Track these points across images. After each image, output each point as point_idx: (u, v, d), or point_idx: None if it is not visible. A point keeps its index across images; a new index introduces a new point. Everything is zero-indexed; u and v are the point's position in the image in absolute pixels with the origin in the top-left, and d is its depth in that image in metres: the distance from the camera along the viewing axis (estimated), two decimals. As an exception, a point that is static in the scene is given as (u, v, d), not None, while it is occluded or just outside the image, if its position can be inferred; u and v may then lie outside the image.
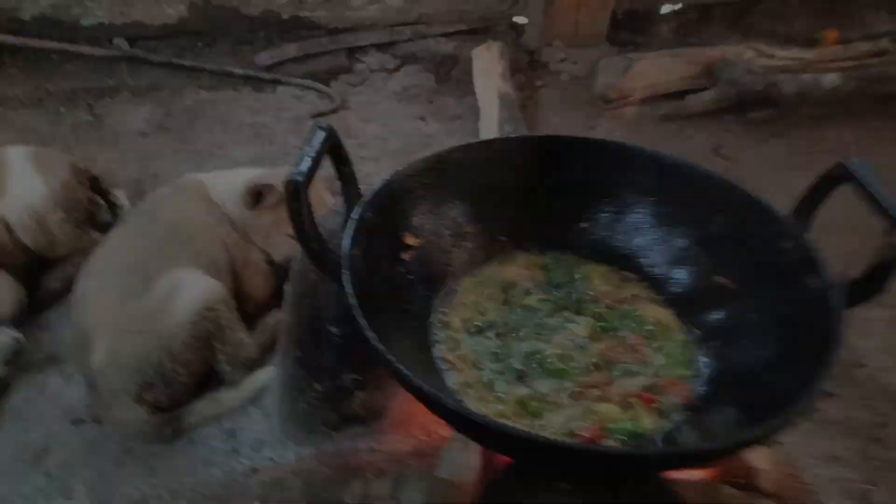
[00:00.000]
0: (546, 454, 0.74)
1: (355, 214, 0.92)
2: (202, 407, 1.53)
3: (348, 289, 0.82)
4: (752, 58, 2.61)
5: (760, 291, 0.96)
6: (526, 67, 2.76)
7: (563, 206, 1.12)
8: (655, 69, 2.59)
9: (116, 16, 2.77)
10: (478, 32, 2.88)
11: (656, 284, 1.08)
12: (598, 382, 0.95)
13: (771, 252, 0.96)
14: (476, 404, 0.90)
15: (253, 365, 1.60)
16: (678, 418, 0.91)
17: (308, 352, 1.21)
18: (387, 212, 0.99)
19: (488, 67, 2.53)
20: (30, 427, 1.55)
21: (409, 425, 1.41)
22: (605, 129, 2.50)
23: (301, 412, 1.35)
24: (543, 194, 1.11)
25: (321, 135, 0.86)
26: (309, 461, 1.33)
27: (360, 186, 0.96)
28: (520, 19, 2.91)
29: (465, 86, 2.65)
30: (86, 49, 2.68)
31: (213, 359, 1.55)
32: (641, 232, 1.10)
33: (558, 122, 2.55)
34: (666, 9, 2.98)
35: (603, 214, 1.12)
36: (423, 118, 2.56)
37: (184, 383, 1.51)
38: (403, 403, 1.34)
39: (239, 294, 1.71)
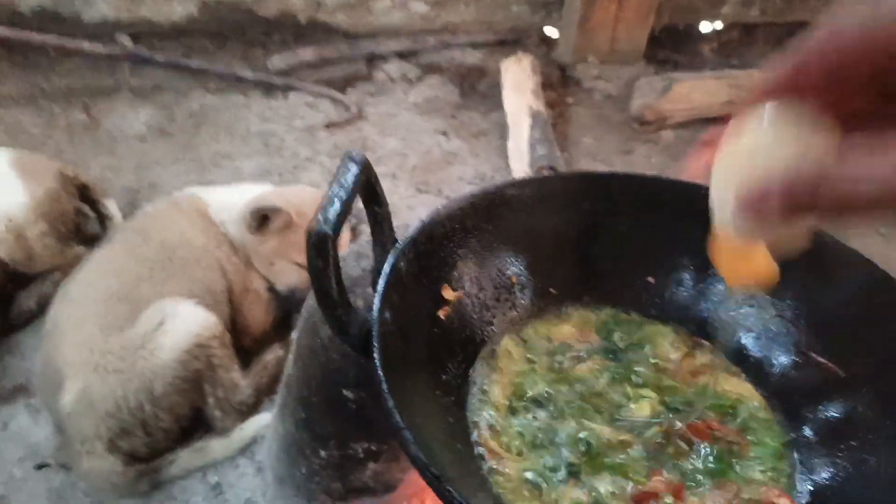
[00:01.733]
0: None
1: (388, 267, 0.73)
2: (185, 457, 1.33)
3: (379, 371, 0.63)
4: (800, 85, 2.42)
5: (881, 384, 0.76)
6: (557, 83, 2.58)
7: (630, 256, 0.93)
8: (697, 91, 2.40)
9: (122, 11, 2.58)
10: (506, 44, 2.69)
11: (740, 361, 0.89)
12: (671, 486, 0.76)
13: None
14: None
15: (247, 410, 1.40)
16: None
17: (314, 415, 1.02)
18: (423, 261, 0.80)
19: (519, 82, 2.34)
20: (-13, 470, 1.36)
21: (426, 496, 1.23)
22: (641, 154, 2.31)
23: (300, 477, 1.15)
24: (608, 242, 0.92)
25: (354, 170, 0.67)
26: (308, 536, 1.13)
27: (394, 230, 0.77)
28: (552, 32, 2.72)
29: (491, 100, 2.47)
30: (85, 45, 2.49)
31: (201, 402, 1.36)
32: (726, 295, 0.91)
33: (590, 143, 2.36)
34: (707, 27, 2.80)
35: (679, 270, 0.93)
36: (445, 133, 2.37)
37: (165, 430, 1.32)
38: (420, 476, 1.15)
39: (236, 326, 1.52)
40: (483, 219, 0.87)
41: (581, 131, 2.44)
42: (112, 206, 1.85)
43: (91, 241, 1.76)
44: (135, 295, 1.35)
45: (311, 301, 1.00)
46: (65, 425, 1.28)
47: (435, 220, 0.82)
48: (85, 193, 1.81)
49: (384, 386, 0.62)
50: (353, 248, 0.96)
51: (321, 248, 0.60)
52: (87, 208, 1.84)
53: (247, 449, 1.37)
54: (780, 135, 0.49)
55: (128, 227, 1.55)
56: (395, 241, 0.78)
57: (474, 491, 0.72)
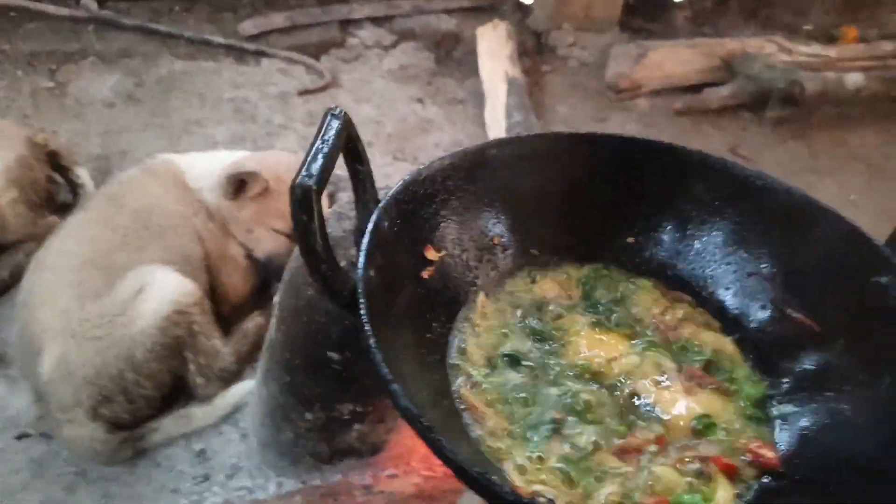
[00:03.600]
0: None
1: (371, 225, 0.73)
2: (169, 424, 1.33)
3: (366, 326, 0.64)
4: (772, 52, 2.45)
5: (853, 335, 0.79)
6: (532, 51, 2.57)
7: (609, 217, 0.95)
8: (671, 60, 2.42)
9: (86, -28, 2.51)
10: (482, 10, 2.67)
11: (719, 316, 0.91)
12: (655, 437, 0.78)
13: (867, 288, 0.79)
14: (510, 470, 0.73)
15: (229, 377, 1.40)
16: (751, 492, 0.74)
17: (299, 378, 1.02)
18: (406, 221, 0.80)
19: (495, 49, 2.33)
20: (-35, 442, 1.34)
21: (411, 459, 1.24)
22: (616, 121, 2.32)
23: (285, 441, 1.16)
24: (587, 202, 0.93)
25: (335, 124, 0.67)
26: (293, 498, 1.14)
27: (376, 189, 0.77)
28: (527, -1, 2.71)
29: (467, 67, 2.45)
30: (50, 8, 2.41)
31: (182, 369, 1.36)
32: (701, 253, 0.93)
33: (566, 111, 2.37)
34: (681, -5, 2.81)
35: (656, 230, 0.95)
36: (420, 100, 2.36)
37: (148, 397, 1.32)
38: (406, 437, 1.17)
39: (215, 294, 1.51)
40: (464, 179, 0.87)
41: (556, 99, 2.45)
42: (84, 174, 1.81)
43: (63, 209, 1.73)
44: (110, 262, 1.33)
45: (293, 263, 0.99)
46: (44, 393, 1.27)
47: (416, 179, 0.82)
48: (55, 161, 1.78)
49: (371, 341, 0.63)
50: (334, 210, 0.96)
51: (306, 202, 0.60)
52: (57, 176, 1.80)
53: (230, 416, 1.37)
54: None
55: (101, 194, 1.52)
56: (378, 200, 0.78)
57: (461, 445, 0.73)
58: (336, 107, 0.71)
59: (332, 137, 0.67)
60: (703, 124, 2.36)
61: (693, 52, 2.43)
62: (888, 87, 2.45)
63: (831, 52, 2.52)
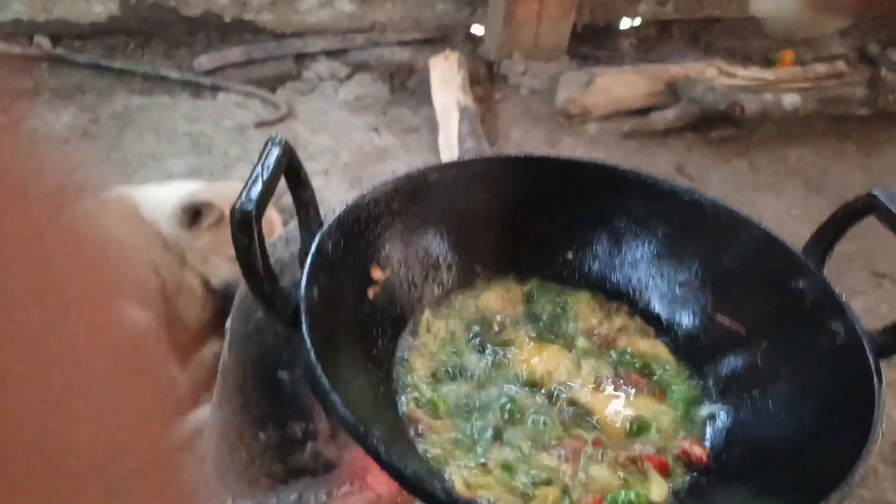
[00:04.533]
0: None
1: (313, 248, 0.76)
2: (126, 455, 1.33)
3: (307, 340, 0.67)
4: (714, 76, 2.55)
5: (776, 337, 0.85)
6: (484, 80, 2.64)
7: (548, 234, 1.00)
8: (618, 85, 2.50)
9: (38, 11, 2.51)
10: (434, 42, 2.74)
11: (654, 323, 0.96)
12: (592, 439, 0.82)
13: (786, 292, 0.85)
14: (454, 478, 0.76)
15: (185, 405, 1.40)
16: (683, 487, 0.79)
17: (252, 398, 1.04)
18: (350, 243, 0.84)
19: (447, 78, 2.40)
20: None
21: (365, 477, 1.26)
22: (567, 146, 2.39)
23: (241, 463, 1.17)
24: (527, 221, 0.98)
25: (276, 152, 0.71)
26: (250, 522, 1.15)
27: (320, 213, 0.81)
28: (478, 29, 2.78)
29: (421, 97, 2.51)
30: (1, 46, 2.42)
31: (139, 399, 1.36)
32: (635, 265, 0.99)
33: (519, 136, 2.43)
34: (626, 24, 2.91)
35: (592, 244, 1.00)
36: (376, 129, 2.40)
37: (104, 429, 1.31)
38: (360, 453, 1.18)
39: (171, 323, 1.52)
40: (407, 202, 0.91)
41: (509, 125, 2.51)
42: (37, 210, 1.81)
43: (16, 245, 1.72)
44: (64, 295, 1.33)
45: (243, 287, 1.02)
46: None
47: (360, 203, 0.86)
48: (7, 197, 1.77)
49: (312, 355, 0.66)
50: (282, 235, 0.99)
51: (245, 225, 0.63)
52: (10, 213, 1.79)
53: (187, 445, 1.37)
54: None
55: (54, 228, 1.52)
56: (321, 224, 0.81)
57: (406, 456, 0.76)
58: (276, 135, 0.74)
59: (273, 164, 0.70)
60: (651, 146, 2.44)
61: (639, 78, 2.52)
62: (823, 106, 2.57)
63: (769, 74, 2.64)
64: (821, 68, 2.69)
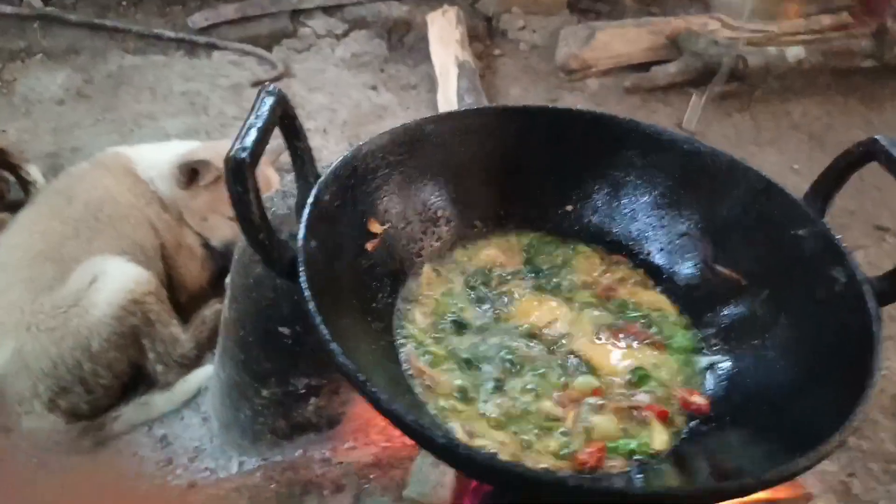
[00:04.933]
0: (551, 493, 0.60)
1: (311, 198, 0.75)
2: (129, 412, 1.34)
3: (305, 291, 0.66)
4: (716, 29, 2.51)
5: (776, 286, 0.84)
6: (483, 35, 2.60)
7: (547, 187, 0.99)
8: (619, 40, 2.47)
9: (28, -31, 2.47)
10: (431, -4, 2.69)
11: (654, 275, 0.95)
12: (592, 389, 0.82)
13: (786, 241, 0.84)
14: (456, 428, 0.76)
15: (188, 363, 1.41)
16: (685, 436, 0.79)
17: (253, 354, 1.05)
18: (347, 195, 0.83)
19: (445, 34, 2.36)
20: (-77, 440, 1.34)
21: (369, 431, 1.27)
22: (567, 102, 2.37)
23: (245, 420, 1.18)
24: (526, 173, 0.97)
25: (269, 101, 0.69)
26: (254, 475, 1.17)
27: (316, 165, 0.80)
28: (476, -17, 2.74)
29: (419, 53, 2.48)
30: (-8, 5, 2.38)
31: (141, 358, 1.37)
32: (635, 216, 0.98)
33: (518, 93, 2.40)
34: (627, -24, 2.86)
35: (592, 196, 0.99)
36: (374, 87, 2.37)
37: (106, 386, 1.33)
38: (362, 409, 1.20)
39: (172, 283, 1.52)
40: (405, 154, 0.90)
41: (508, 81, 2.48)
42: (35, 171, 1.80)
43: (14, 208, 1.71)
44: (61, 255, 1.33)
45: (241, 243, 1.02)
46: (1, 388, 1.27)
47: (357, 155, 0.85)
48: (4, 159, 1.76)
49: (311, 305, 0.65)
50: (279, 189, 0.98)
51: (239, 173, 0.62)
52: (7, 174, 1.78)
53: (191, 401, 1.38)
54: None
55: (50, 188, 1.51)
56: (318, 175, 0.80)
57: (408, 406, 0.76)
58: (269, 84, 0.73)
59: (266, 113, 0.69)
60: (652, 101, 2.41)
61: (640, 32, 2.48)
62: (828, 59, 2.53)
63: (773, 27, 2.60)
64: (825, 20, 2.64)
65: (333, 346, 0.63)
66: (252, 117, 0.68)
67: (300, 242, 0.71)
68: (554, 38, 2.54)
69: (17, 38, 2.41)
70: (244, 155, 0.63)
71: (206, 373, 1.39)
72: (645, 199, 0.96)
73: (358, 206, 0.86)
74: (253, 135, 0.65)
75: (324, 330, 0.63)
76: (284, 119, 0.74)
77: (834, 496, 1.43)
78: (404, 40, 2.59)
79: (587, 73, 2.47)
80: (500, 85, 2.45)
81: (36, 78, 2.30)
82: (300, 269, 0.68)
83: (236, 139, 0.65)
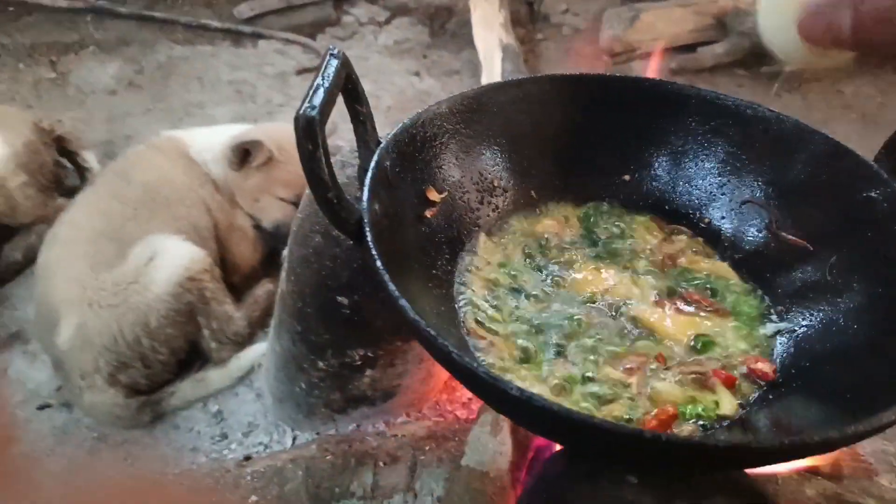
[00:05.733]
0: (627, 447, 0.60)
1: (373, 163, 0.76)
2: (185, 388, 1.37)
3: (373, 248, 0.66)
4: (765, 8, 2.45)
5: (846, 249, 0.82)
6: (525, 19, 2.58)
7: (604, 156, 0.97)
8: (664, 21, 2.42)
9: (80, -36, 2.53)
10: (473, -18, 2.68)
11: (715, 243, 0.94)
12: (655, 355, 0.81)
13: (857, 203, 0.81)
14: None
15: (242, 341, 1.44)
16: (754, 401, 0.77)
17: (310, 325, 1.06)
18: (407, 162, 0.83)
19: (488, 18, 2.35)
20: (-9, 414, 1.38)
21: (422, 405, 1.28)
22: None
23: (300, 393, 1.19)
24: (583, 143, 0.96)
25: (335, 63, 0.70)
26: (310, 448, 1.18)
27: (377, 131, 0.80)
28: (517, -32, 2.72)
29: (461, 39, 2.47)
30: (46, 0, 2.44)
31: (196, 335, 1.39)
32: (696, 184, 0.96)
33: (562, 76, 2.38)
34: (671, -43, 2.80)
35: (651, 165, 0.97)
36: (417, 73, 2.38)
37: (164, 362, 1.36)
38: (416, 382, 1.20)
39: (225, 263, 1.55)
40: (463, 123, 0.90)
41: (552, 66, 2.46)
42: (90, 158, 1.85)
43: (72, 193, 1.76)
44: (121, 234, 1.36)
45: (299, 214, 1.02)
46: (64, 363, 1.31)
47: (416, 122, 0.86)
48: (62, 146, 1.81)
49: (378, 263, 0.66)
50: (337, 158, 0.98)
51: (310, 131, 0.63)
52: (65, 161, 1.83)
53: (245, 377, 1.40)
54: None
55: (109, 170, 1.55)
56: (379, 141, 0.81)
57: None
58: (334, 47, 0.73)
59: (332, 74, 0.69)
60: (699, 83, 2.35)
61: (685, 12, 2.44)
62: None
63: (824, 5, 2.53)
64: (880, -3, 2.56)
65: (403, 302, 0.63)
66: (319, 78, 0.68)
67: (365, 204, 0.71)
68: (597, 21, 2.51)
69: (71, 31, 2.47)
70: (314, 113, 0.63)
71: (259, 350, 1.42)
72: (706, 166, 0.95)
73: (417, 173, 0.86)
74: (321, 94, 0.66)
75: (392, 287, 0.63)
76: (348, 83, 0.75)
77: (894, 475, 1.39)
78: (446, 26, 2.59)
79: (631, 55, 2.44)
80: (544, 69, 2.44)
81: (88, 69, 2.36)
82: (366, 229, 0.68)
83: (304, 99, 0.65)
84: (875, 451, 1.43)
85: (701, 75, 2.42)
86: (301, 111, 0.64)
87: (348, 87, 0.76)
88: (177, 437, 1.33)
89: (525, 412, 0.61)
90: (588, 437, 0.59)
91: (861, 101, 2.34)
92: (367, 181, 0.74)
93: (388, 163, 0.79)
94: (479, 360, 0.78)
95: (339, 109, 0.73)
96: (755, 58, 2.38)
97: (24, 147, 1.67)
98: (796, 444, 0.54)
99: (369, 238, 0.67)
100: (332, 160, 0.98)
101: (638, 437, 0.56)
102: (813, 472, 1.05)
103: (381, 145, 0.80)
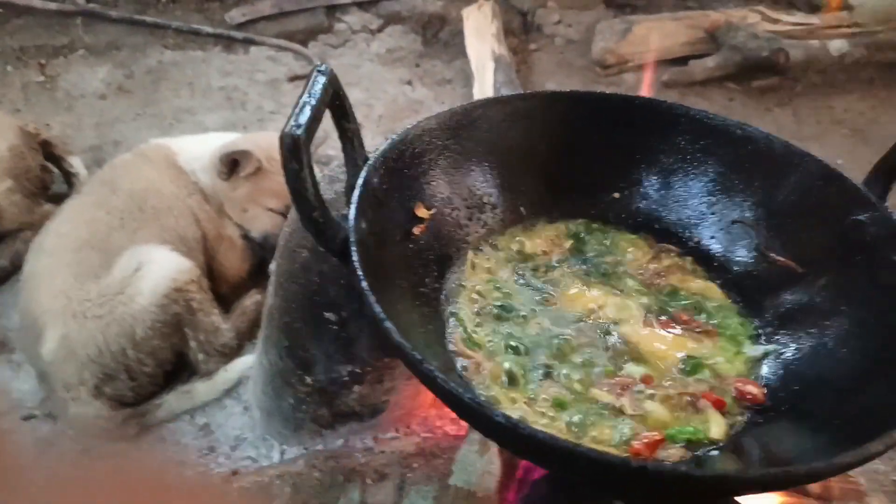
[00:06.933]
0: (612, 475, 0.59)
1: (360, 180, 0.75)
2: (172, 400, 1.36)
3: (358, 270, 0.66)
4: (756, 22, 2.47)
5: (835, 272, 0.82)
6: (518, 30, 2.59)
7: (594, 173, 0.97)
8: (656, 33, 2.43)
9: (71, -33, 2.52)
10: (466, -9, 2.68)
11: (704, 263, 0.93)
12: (642, 376, 0.80)
13: (846, 226, 0.81)
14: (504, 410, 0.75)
15: (229, 352, 1.42)
16: (743, 425, 0.77)
17: (297, 340, 1.05)
18: (395, 178, 0.83)
19: (481, 28, 2.35)
20: (-27, 425, 1.36)
21: (411, 421, 1.26)
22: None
23: (287, 408, 1.18)
24: (573, 160, 0.96)
25: (322, 80, 0.69)
26: (297, 463, 1.17)
27: (364, 148, 0.80)
28: (511, -22, 2.72)
29: (454, 49, 2.47)
30: (37, 3, 2.42)
31: (183, 346, 1.38)
32: (685, 203, 0.96)
33: (554, 88, 2.38)
34: (664, -30, 2.82)
35: (641, 183, 0.97)
36: (409, 82, 2.37)
37: (150, 374, 1.34)
38: (405, 398, 1.19)
39: (213, 274, 1.53)
40: (452, 139, 0.90)
41: (544, 76, 2.47)
42: (77, 164, 1.83)
43: (58, 199, 1.74)
44: (107, 244, 1.35)
45: (287, 228, 1.02)
46: (48, 374, 1.29)
47: (404, 138, 0.85)
48: (48, 151, 1.79)
49: (364, 284, 0.65)
50: (326, 174, 0.98)
51: (294, 150, 0.62)
52: (51, 166, 1.81)
53: (232, 390, 1.39)
54: None
55: (95, 178, 1.53)
56: (367, 158, 0.80)
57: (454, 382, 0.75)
58: (322, 64, 0.73)
59: (319, 92, 0.69)
60: (690, 96, 2.38)
61: (677, 25, 2.45)
62: (872, 52, 2.47)
63: (815, 19, 2.54)
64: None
65: (388, 324, 0.62)
66: (305, 96, 0.67)
67: (351, 222, 0.70)
68: (590, 33, 2.52)
69: (60, 34, 2.45)
70: (299, 132, 0.63)
71: (246, 362, 1.40)
72: (696, 185, 0.95)
73: (405, 190, 0.85)
74: (307, 112, 0.65)
75: (377, 308, 0.63)
76: (335, 99, 0.74)
77: (885, 496, 1.39)
78: (439, 35, 2.59)
79: (623, 67, 2.44)
80: (536, 80, 2.44)
81: (78, 73, 2.34)
82: (352, 248, 0.68)
83: (290, 117, 0.65)
84: (867, 470, 1.43)
85: (692, 88, 2.42)
86: (286, 130, 0.63)
87: (335, 103, 0.75)
88: (163, 451, 1.31)
89: (510, 438, 0.60)
90: (573, 465, 0.58)
91: (851, 116, 2.35)
92: (355, 200, 0.73)
93: (375, 180, 0.79)
94: (464, 384, 0.77)
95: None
96: (746, 71, 2.39)
97: (9, 152, 1.65)
98: (781, 476, 0.54)
99: (355, 258, 0.67)
100: (321, 175, 0.98)
101: (623, 466, 0.56)
102: (803, 494, 1.05)
103: (369, 162, 0.79)
